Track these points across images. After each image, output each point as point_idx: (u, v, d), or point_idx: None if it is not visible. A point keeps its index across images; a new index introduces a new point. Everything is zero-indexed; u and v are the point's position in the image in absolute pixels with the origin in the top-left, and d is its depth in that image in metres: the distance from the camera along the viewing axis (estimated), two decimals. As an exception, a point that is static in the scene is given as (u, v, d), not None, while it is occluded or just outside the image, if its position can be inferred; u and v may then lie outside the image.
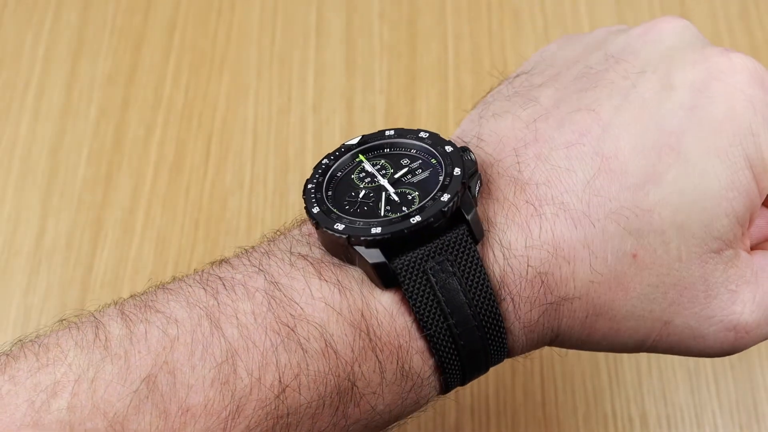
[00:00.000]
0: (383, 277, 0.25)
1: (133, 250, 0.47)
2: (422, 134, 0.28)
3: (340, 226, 0.25)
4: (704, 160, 0.26)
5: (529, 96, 0.29)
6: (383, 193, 0.27)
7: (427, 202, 0.26)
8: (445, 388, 0.27)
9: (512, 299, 0.26)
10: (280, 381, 0.24)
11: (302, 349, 0.24)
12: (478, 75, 0.52)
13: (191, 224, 0.48)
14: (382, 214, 0.26)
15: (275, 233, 0.28)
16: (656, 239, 0.26)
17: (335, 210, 0.26)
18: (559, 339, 0.28)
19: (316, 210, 0.26)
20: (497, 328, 0.26)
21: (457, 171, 0.26)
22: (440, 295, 0.25)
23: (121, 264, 0.47)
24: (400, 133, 0.29)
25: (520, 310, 0.26)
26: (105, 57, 0.54)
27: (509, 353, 0.28)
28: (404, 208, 0.26)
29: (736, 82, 0.27)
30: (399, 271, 0.25)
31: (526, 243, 0.26)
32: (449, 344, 0.26)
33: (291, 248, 0.26)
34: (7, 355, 0.23)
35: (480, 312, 0.26)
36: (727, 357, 0.43)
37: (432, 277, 0.25)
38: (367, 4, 0.55)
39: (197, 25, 0.55)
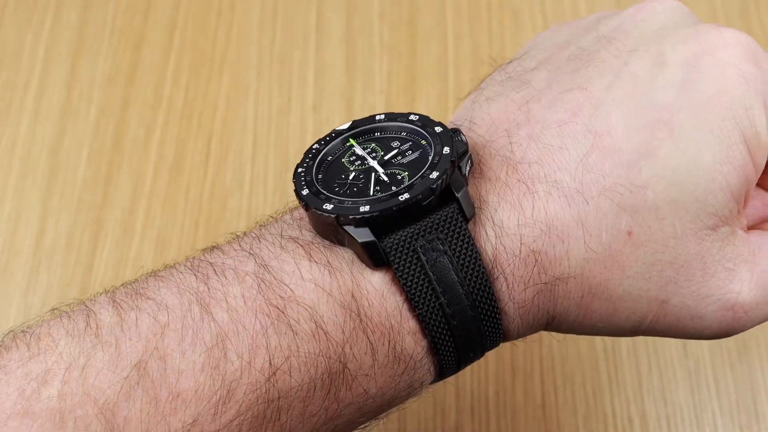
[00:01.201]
0: (373, 256, 0.25)
1: (133, 250, 0.47)
2: (412, 117, 0.28)
3: (328, 206, 0.25)
4: (698, 135, 0.26)
5: (522, 79, 0.29)
6: (373, 174, 0.27)
7: (416, 180, 0.26)
8: (439, 372, 0.27)
9: (505, 278, 0.26)
10: (270, 363, 0.24)
11: (292, 330, 0.24)
12: (478, 75, 0.52)
13: (191, 224, 0.48)
14: (371, 194, 0.26)
15: (267, 218, 0.28)
16: (651, 216, 0.26)
17: (324, 191, 0.26)
18: (555, 321, 0.28)
19: (305, 192, 0.26)
20: (491, 307, 0.26)
21: (446, 150, 0.26)
22: (431, 273, 0.25)
23: (121, 264, 0.47)
24: (391, 116, 0.29)
25: (513, 290, 0.26)
26: (105, 57, 0.54)
27: (504, 336, 0.27)
28: (393, 188, 0.26)
29: (729, 57, 0.26)
30: (389, 250, 0.25)
31: (518, 221, 0.26)
32: (442, 324, 0.25)
33: (282, 232, 0.26)
34: (0, 345, 0.23)
35: (473, 291, 0.25)
36: (728, 357, 0.43)
37: (423, 256, 0.25)
38: (367, 4, 0.55)
39: (197, 25, 0.55)
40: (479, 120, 0.28)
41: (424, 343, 0.26)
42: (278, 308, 0.24)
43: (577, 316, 0.27)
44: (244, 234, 0.27)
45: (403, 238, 0.25)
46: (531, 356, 0.44)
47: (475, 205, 0.26)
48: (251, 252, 0.25)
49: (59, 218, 0.48)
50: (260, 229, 0.27)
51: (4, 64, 0.54)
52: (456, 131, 0.27)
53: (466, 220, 0.25)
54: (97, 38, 0.54)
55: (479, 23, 0.54)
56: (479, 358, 0.28)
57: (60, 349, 0.23)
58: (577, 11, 0.54)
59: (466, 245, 0.25)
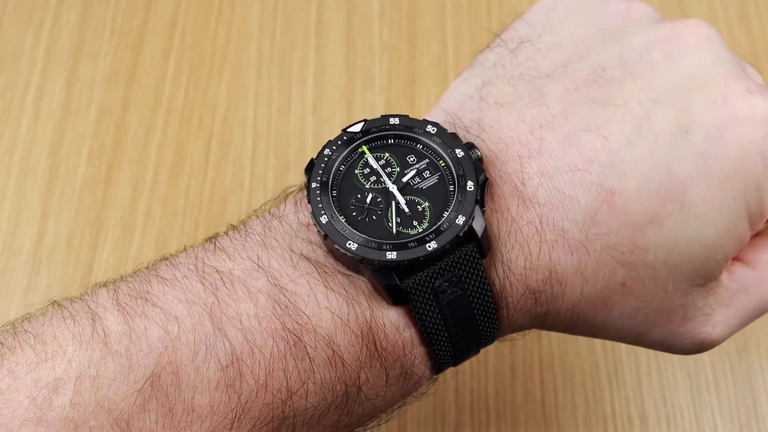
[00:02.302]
0: (394, 296, 0.25)
1: (133, 250, 0.47)
2: (429, 128, 0.27)
3: (353, 245, 0.25)
4: (706, 213, 0.26)
5: (536, 87, 0.28)
6: (393, 203, 0.26)
7: (442, 224, 0.26)
8: (436, 373, 0.28)
9: (507, 308, 0.27)
10: (287, 387, 0.24)
11: (309, 357, 0.24)
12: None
13: (191, 224, 0.48)
14: (394, 231, 0.26)
15: (268, 214, 0.27)
16: (647, 273, 0.26)
17: (342, 219, 0.26)
18: (544, 328, 0.30)
19: (324, 220, 0.25)
20: (492, 332, 0.27)
21: (470, 186, 0.26)
22: (446, 310, 0.26)
23: (121, 264, 0.47)
24: (407, 125, 0.28)
25: (512, 317, 0.27)
26: (105, 57, 0.54)
27: (500, 339, 0.29)
28: (415, 223, 0.26)
29: (753, 135, 0.26)
30: (409, 290, 0.25)
31: (525, 263, 0.26)
32: (449, 350, 0.27)
33: (291, 244, 0.26)
34: (2, 344, 0.23)
35: (481, 321, 0.26)
36: (727, 357, 0.43)
37: (440, 295, 0.25)
38: (367, 3, 0.55)
39: (197, 25, 0.55)
40: (488, 128, 0.28)
41: (430, 363, 0.27)
42: (295, 334, 0.24)
43: (559, 331, 0.29)
44: (246, 231, 0.26)
45: (423, 279, 0.25)
46: (531, 356, 0.44)
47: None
48: (260, 264, 0.25)
49: (59, 218, 0.48)
50: (265, 231, 0.26)
51: (4, 64, 0.54)
52: (471, 146, 0.27)
53: (483, 257, 0.26)
54: (97, 38, 0.54)
55: (479, 23, 0.54)
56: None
57: (68, 356, 0.22)
58: (577, 11, 0.54)
59: (480, 283, 0.26)
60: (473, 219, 0.25)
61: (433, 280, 0.25)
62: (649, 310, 0.27)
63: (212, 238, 0.27)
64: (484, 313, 0.26)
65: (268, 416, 0.24)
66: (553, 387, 0.43)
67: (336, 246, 0.25)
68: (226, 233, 0.27)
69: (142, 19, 0.55)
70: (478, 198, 0.26)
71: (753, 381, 0.43)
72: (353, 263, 0.25)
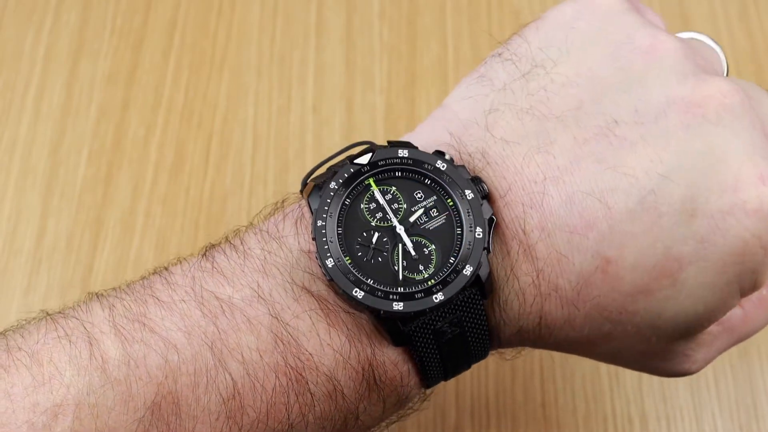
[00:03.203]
0: (396, 339, 0.26)
1: (133, 250, 0.47)
2: (439, 164, 0.27)
3: (359, 294, 0.25)
4: (699, 292, 0.26)
5: (545, 129, 0.27)
6: (399, 245, 0.26)
7: (449, 274, 0.26)
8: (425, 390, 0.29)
9: (499, 343, 0.28)
10: (288, 420, 0.24)
11: (311, 393, 0.24)
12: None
13: (191, 224, 0.48)
14: (401, 277, 0.26)
15: (266, 233, 0.27)
16: (632, 330, 0.27)
17: (348, 261, 0.25)
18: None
19: (330, 264, 0.25)
20: (482, 356, 0.28)
21: (479, 233, 0.26)
22: (444, 348, 0.26)
23: (121, 264, 0.47)
24: (415, 158, 0.27)
25: (501, 346, 0.29)
26: (105, 57, 0.54)
27: None
28: (421, 267, 0.26)
29: (757, 230, 0.25)
30: (411, 333, 0.25)
31: (519, 308, 0.27)
32: (441, 376, 0.28)
33: (292, 274, 0.25)
34: None
35: (474, 352, 0.27)
36: (727, 357, 0.43)
37: (440, 336, 0.26)
38: (367, 4, 0.55)
39: (197, 25, 0.55)
40: (493, 163, 0.27)
41: (420, 387, 0.28)
42: (297, 371, 0.24)
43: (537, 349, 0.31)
44: (243, 248, 0.26)
45: (426, 322, 0.26)
46: (531, 357, 0.44)
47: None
48: (260, 294, 0.25)
49: (59, 218, 0.48)
50: (264, 255, 0.26)
51: (4, 64, 0.54)
52: (478, 180, 0.26)
53: (484, 299, 0.26)
54: (97, 38, 0.54)
55: (479, 23, 0.54)
56: None
57: (66, 381, 0.22)
58: (577, 11, 0.54)
59: (480, 323, 0.26)
60: (480, 267, 0.26)
61: (434, 323, 0.26)
62: (631, 353, 0.28)
63: (208, 253, 0.26)
64: (477, 346, 0.27)
65: None
66: (554, 388, 0.43)
67: (342, 290, 0.25)
68: (221, 249, 0.26)
69: (142, 19, 0.55)
70: (486, 246, 0.26)
71: (753, 381, 0.43)
72: (355, 306, 0.26)
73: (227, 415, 0.23)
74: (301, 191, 0.28)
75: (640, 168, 0.25)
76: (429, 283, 0.25)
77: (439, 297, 0.25)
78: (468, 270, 0.25)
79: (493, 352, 0.30)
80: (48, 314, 0.25)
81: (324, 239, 0.25)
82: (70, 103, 0.52)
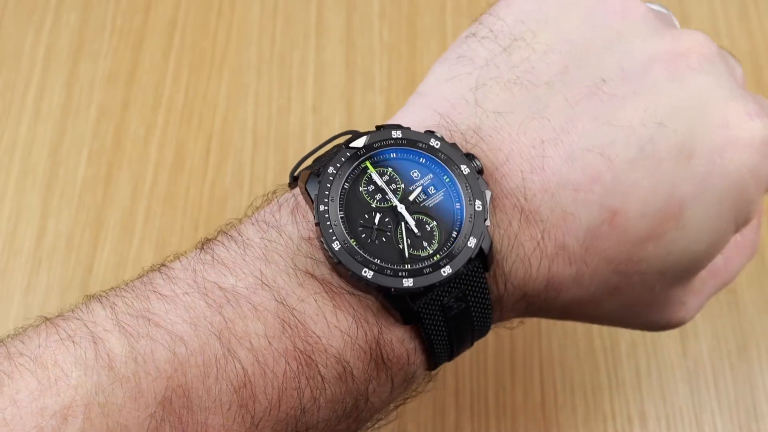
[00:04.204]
0: (406, 317, 0.26)
1: (133, 250, 0.47)
2: (433, 142, 0.27)
3: (368, 274, 0.25)
4: (701, 230, 0.27)
5: (536, 96, 0.27)
6: (402, 223, 0.26)
7: (454, 247, 0.26)
8: (431, 371, 0.29)
9: (501, 313, 0.28)
10: (300, 404, 0.24)
11: (321, 375, 0.24)
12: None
13: (191, 224, 0.48)
14: (407, 254, 0.26)
15: (264, 222, 0.27)
16: (638, 279, 0.28)
17: (353, 243, 0.25)
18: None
19: (337, 246, 0.25)
20: (484, 330, 0.28)
21: (478, 206, 0.26)
22: (450, 323, 0.26)
23: (121, 264, 0.47)
24: (409, 138, 0.27)
25: (503, 316, 0.29)
26: (105, 57, 0.54)
27: None
28: (425, 244, 0.26)
29: (750, 160, 0.26)
30: (420, 310, 0.25)
31: (525, 276, 0.27)
32: (447, 354, 0.27)
33: (294, 260, 0.25)
34: None
35: (477, 327, 0.27)
36: (727, 357, 0.43)
37: (447, 311, 0.26)
38: (367, 4, 0.55)
39: (197, 25, 0.55)
40: (486, 137, 0.27)
41: (427, 365, 0.28)
42: (306, 354, 0.24)
43: (546, 318, 0.31)
44: (241, 238, 0.26)
45: (434, 298, 0.26)
46: (530, 356, 0.44)
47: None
48: (264, 281, 0.25)
49: (59, 218, 0.48)
50: (264, 243, 0.26)
51: (4, 64, 0.54)
52: (472, 157, 0.27)
53: (486, 271, 0.26)
54: (97, 38, 0.54)
55: (479, 23, 0.54)
56: None
57: (73, 382, 0.22)
58: (577, 11, 0.54)
59: (483, 295, 0.26)
60: (484, 239, 0.26)
61: (441, 298, 0.26)
62: (635, 306, 0.29)
63: (206, 246, 0.26)
64: (481, 321, 0.27)
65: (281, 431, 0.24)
66: (553, 388, 0.43)
67: (350, 273, 0.25)
68: (219, 241, 0.26)
69: (142, 19, 0.55)
70: (486, 218, 0.26)
71: (752, 381, 0.43)
72: (363, 287, 0.25)
73: (239, 404, 0.23)
74: (290, 184, 0.28)
75: (636, 119, 0.26)
76: (435, 258, 0.26)
77: (447, 270, 0.25)
78: (472, 242, 0.26)
79: (495, 326, 0.30)
80: (47, 318, 0.24)
81: (328, 223, 0.25)
82: (70, 103, 0.52)
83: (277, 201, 0.28)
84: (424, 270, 0.25)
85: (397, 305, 0.25)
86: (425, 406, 0.42)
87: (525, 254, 0.27)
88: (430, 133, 0.27)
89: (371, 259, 0.25)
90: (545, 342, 0.44)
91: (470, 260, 0.26)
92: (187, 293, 0.24)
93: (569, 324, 0.44)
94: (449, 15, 0.55)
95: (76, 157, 0.50)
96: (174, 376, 0.22)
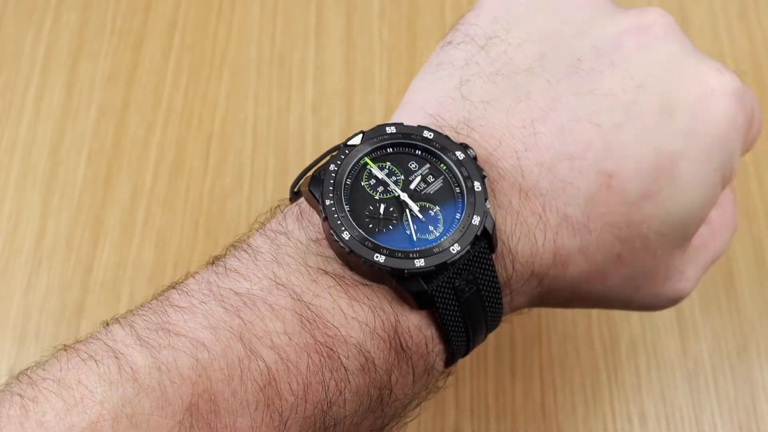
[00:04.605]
0: (420, 302, 0.26)
1: (133, 250, 0.47)
2: (426, 134, 0.28)
3: (380, 258, 0.25)
4: (693, 184, 0.28)
5: (518, 83, 0.29)
6: (407, 211, 0.27)
7: (460, 227, 0.26)
8: (449, 365, 0.29)
9: (511, 294, 0.29)
10: (326, 398, 0.24)
11: (344, 367, 0.25)
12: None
13: (191, 224, 0.48)
14: (415, 238, 0.26)
15: (271, 231, 0.27)
16: (640, 244, 0.29)
17: (362, 231, 0.26)
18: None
19: (347, 236, 0.25)
20: (497, 318, 0.28)
21: (477, 186, 0.27)
22: (464, 307, 0.27)
23: (121, 264, 0.47)
24: (404, 132, 0.28)
25: (513, 300, 0.29)
26: (105, 57, 0.54)
27: None
28: (431, 228, 0.27)
29: (727, 109, 0.28)
30: (434, 293, 0.26)
31: (531, 251, 0.28)
32: (464, 342, 0.28)
33: (306, 260, 0.26)
34: (21, 397, 0.22)
35: (490, 314, 0.28)
36: (727, 357, 0.43)
37: (459, 294, 0.26)
38: (367, 4, 0.55)
39: (197, 25, 0.55)
40: (477, 127, 0.28)
41: (445, 356, 0.28)
42: (328, 346, 0.24)
43: (554, 307, 0.32)
44: (250, 248, 0.26)
45: (446, 281, 0.26)
46: (530, 357, 0.44)
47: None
48: (278, 282, 0.25)
49: (59, 218, 0.48)
50: (274, 249, 0.26)
51: (4, 64, 0.54)
52: (465, 147, 0.27)
53: (492, 252, 0.27)
54: (97, 38, 0.54)
55: (479, 23, 0.54)
56: None
57: (99, 398, 0.22)
58: (577, 11, 0.54)
59: (491, 277, 0.27)
60: (487, 217, 0.26)
61: (453, 281, 0.26)
62: (638, 277, 0.30)
63: (217, 261, 0.26)
64: (492, 304, 0.27)
65: (309, 429, 0.24)
66: (553, 388, 0.43)
67: (363, 260, 0.25)
68: (230, 254, 0.27)
69: (142, 19, 0.55)
70: (487, 198, 0.27)
71: (752, 381, 0.43)
72: (376, 275, 0.26)
73: (266, 404, 0.23)
74: (291, 198, 0.29)
75: (616, 87, 0.28)
76: (442, 239, 0.26)
77: (455, 248, 0.26)
78: (476, 220, 0.26)
79: (507, 317, 0.30)
80: (66, 345, 0.24)
81: (335, 216, 0.26)
82: (70, 103, 0.52)
83: (282, 213, 0.28)
84: (434, 250, 0.26)
85: (410, 288, 0.26)
86: (425, 407, 0.42)
87: (529, 230, 0.27)
88: (423, 127, 0.28)
89: (381, 244, 0.26)
90: (545, 342, 0.44)
91: (476, 238, 0.26)
92: (203, 302, 0.24)
93: (569, 324, 0.44)
94: (449, 15, 0.55)
95: (76, 158, 0.50)
96: (198, 382, 0.22)
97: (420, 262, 0.25)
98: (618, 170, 0.27)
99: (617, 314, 0.45)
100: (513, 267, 0.28)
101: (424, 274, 0.26)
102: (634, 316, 0.45)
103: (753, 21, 0.53)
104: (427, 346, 0.27)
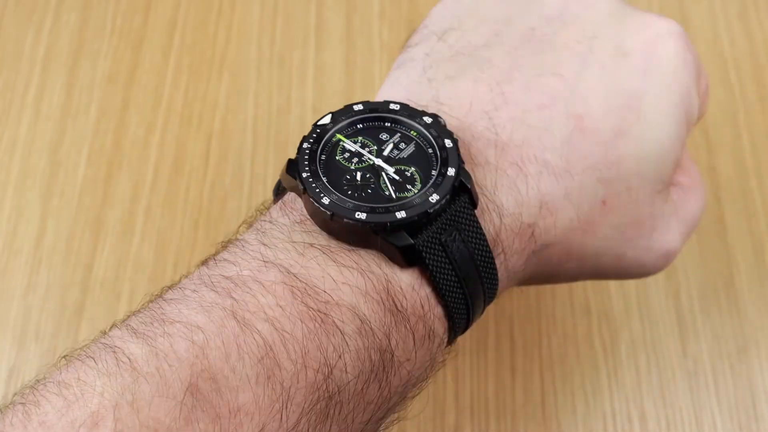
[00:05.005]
0: (408, 257, 0.26)
1: (133, 250, 0.47)
2: (393, 106, 0.29)
3: (361, 215, 0.26)
4: (660, 119, 0.30)
5: (478, 56, 0.30)
6: (382, 174, 0.28)
7: (437, 179, 0.27)
8: (450, 340, 0.29)
9: (504, 252, 0.29)
10: (325, 363, 0.24)
11: (340, 331, 0.25)
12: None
13: (191, 224, 0.48)
14: (394, 196, 0.27)
15: (256, 222, 0.28)
16: (621, 186, 0.30)
17: (342, 196, 0.26)
18: (528, 280, 0.32)
19: (327, 201, 0.26)
20: (493, 281, 0.28)
21: (448, 143, 0.27)
22: (456, 264, 0.27)
23: (121, 264, 0.47)
24: (371, 107, 0.29)
25: (509, 261, 0.29)
26: (105, 57, 0.54)
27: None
28: (409, 186, 0.27)
29: (677, 47, 0.30)
30: (421, 249, 0.26)
31: (516, 201, 0.28)
32: (463, 307, 0.28)
33: (291, 238, 0.26)
34: (23, 404, 0.22)
35: (483, 271, 0.27)
36: (727, 358, 0.43)
37: (447, 248, 0.26)
38: (367, 4, 0.55)
39: (197, 25, 0.55)
40: (447, 100, 0.30)
41: (446, 324, 0.28)
42: (321, 312, 0.24)
43: (548, 274, 0.31)
44: (241, 243, 0.26)
45: (432, 235, 0.26)
46: (530, 356, 0.44)
47: (478, 192, 0.28)
48: (265, 260, 0.25)
49: (59, 218, 0.48)
50: (260, 236, 0.27)
51: (4, 64, 0.54)
52: (435, 116, 0.28)
53: (474, 207, 0.27)
54: (97, 38, 0.54)
55: (479, 23, 0.54)
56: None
57: (99, 389, 0.22)
58: (577, 11, 0.54)
59: (476, 232, 0.27)
60: (462, 169, 0.27)
61: (439, 235, 0.26)
62: (626, 226, 0.31)
63: (209, 258, 0.27)
64: (484, 261, 0.27)
65: (313, 398, 0.24)
66: (553, 388, 0.43)
67: (345, 220, 0.26)
68: (220, 250, 0.27)
69: (142, 19, 0.55)
70: (459, 151, 0.27)
71: (752, 382, 0.43)
72: (361, 236, 0.26)
73: (266, 376, 0.23)
74: (274, 200, 0.29)
75: (571, 41, 0.30)
76: (420, 193, 0.27)
77: (434, 197, 0.26)
78: (451, 171, 0.27)
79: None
80: (65, 356, 0.24)
81: (313, 185, 0.27)
82: (70, 103, 0.52)
83: (267, 209, 0.29)
84: (414, 201, 0.26)
85: (396, 242, 0.26)
86: (425, 407, 0.43)
87: (510, 181, 0.28)
88: (389, 101, 0.29)
89: (362, 204, 0.26)
90: (545, 342, 0.44)
91: (455, 190, 0.26)
92: (195, 291, 0.25)
93: (569, 324, 0.44)
94: (449, 15, 0.55)
95: (76, 158, 0.50)
96: (196, 362, 0.22)
97: (401, 214, 0.26)
98: (587, 112, 0.29)
99: (617, 314, 0.45)
100: (501, 221, 0.28)
101: (408, 228, 0.26)
102: (634, 316, 0.45)
103: (753, 21, 0.53)
104: (423, 308, 0.27)
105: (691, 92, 0.31)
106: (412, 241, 0.26)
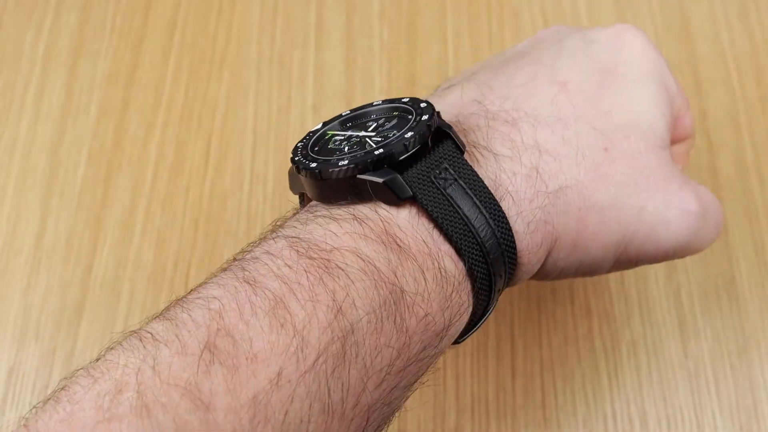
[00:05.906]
0: (397, 189, 0.27)
1: (133, 250, 0.47)
2: (375, 102, 0.31)
3: (343, 162, 0.27)
4: (637, 79, 0.32)
5: (465, 78, 0.34)
6: (367, 140, 0.29)
7: (412, 123, 0.28)
8: (476, 298, 0.29)
9: (511, 196, 0.29)
10: (334, 301, 0.25)
11: (344, 272, 0.26)
12: (478, 75, 0.52)
13: (191, 224, 0.48)
14: (375, 147, 0.28)
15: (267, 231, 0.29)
16: (619, 135, 0.31)
17: (329, 158, 0.28)
18: (557, 244, 0.31)
19: (314, 165, 0.28)
20: (503, 222, 0.28)
21: (423, 104, 0.29)
22: (451, 197, 0.27)
23: (121, 264, 0.47)
24: (355, 108, 0.31)
25: (521, 205, 0.29)
26: (105, 57, 0.54)
27: (520, 258, 0.30)
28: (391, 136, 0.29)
29: (636, 37, 0.33)
30: (410, 183, 0.27)
31: (512, 147, 0.30)
32: (471, 241, 0.28)
33: (298, 218, 0.28)
34: (55, 397, 0.23)
35: (486, 208, 0.28)
36: (728, 358, 0.43)
37: (439, 184, 0.27)
38: (367, 4, 0.55)
39: (197, 25, 0.55)
40: (439, 106, 0.32)
41: (461, 265, 0.28)
42: (324, 259, 0.26)
43: (575, 234, 0.31)
44: (250, 244, 0.28)
45: (419, 171, 0.27)
46: (531, 357, 0.44)
47: (467, 145, 0.29)
48: (276, 235, 0.27)
49: (59, 218, 0.48)
50: (270, 233, 0.28)
51: (4, 64, 0.54)
52: (415, 98, 0.30)
53: (462, 152, 0.28)
54: (97, 38, 0.54)
55: (479, 23, 0.54)
56: (505, 287, 0.30)
57: (123, 362, 0.23)
58: (577, 11, 0.54)
59: (468, 171, 0.28)
60: (436, 115, 0.29)
61: (428, 171, 0.27)
62: (637, 175, 0.31)
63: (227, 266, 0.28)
64: (486, 199, 0.28)
65: (328, 338, 0.24)
66: (554, 388, 0.43)
67: (331, 170, 0.27)
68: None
69: (142, 19, 0.55)
70: (433, 107, 0.29)
71: (753, 382, 0.43)
72: (352, 189, 0.27)
73: (279, 324, 0.24)
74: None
75: (542, 45, 0.34)
76: (398, 135, 0.28)
77: (409, 134, 0.28)
78: (425, 116, 0.28)
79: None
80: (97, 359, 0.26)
81: (305, 162, 0.29)
82: (70, 103, 0.52)
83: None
84: (391, 140, 0.28)
85: (383, 176, 0.27)
86: (425, 407, 0.42)
87: (504, 135, 0.30)
88: (373, 102, 0.31)
89: (346, 155, 0.28)
90: (546, 343, 0.44)
91: (430, 129, 0.28)
92: (212, 282, 0.26)
93: (569, 324, 0.44)
94: (449, 15, 0.55)
95: (76, 157, 0.50)
96: (212, 324, 0.24)
97: (380, 151, 0.27)
98: (569, 77, 0.32)
99: (618, 314, 0.45)
100: (498, 165, 0.29)
101: (390, 163, 0.27)
102: (635, 316, 0.45)
103: (753, 21, 0.53)
104: (427, 244, 0.27)
105: (662, 67, 0.33)
106: (395, 173, 0.27)
